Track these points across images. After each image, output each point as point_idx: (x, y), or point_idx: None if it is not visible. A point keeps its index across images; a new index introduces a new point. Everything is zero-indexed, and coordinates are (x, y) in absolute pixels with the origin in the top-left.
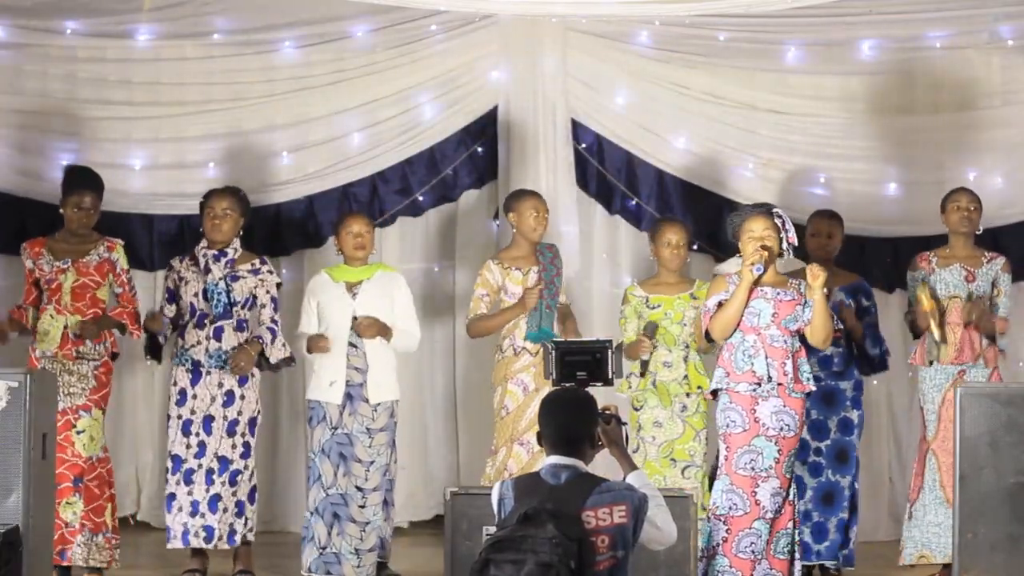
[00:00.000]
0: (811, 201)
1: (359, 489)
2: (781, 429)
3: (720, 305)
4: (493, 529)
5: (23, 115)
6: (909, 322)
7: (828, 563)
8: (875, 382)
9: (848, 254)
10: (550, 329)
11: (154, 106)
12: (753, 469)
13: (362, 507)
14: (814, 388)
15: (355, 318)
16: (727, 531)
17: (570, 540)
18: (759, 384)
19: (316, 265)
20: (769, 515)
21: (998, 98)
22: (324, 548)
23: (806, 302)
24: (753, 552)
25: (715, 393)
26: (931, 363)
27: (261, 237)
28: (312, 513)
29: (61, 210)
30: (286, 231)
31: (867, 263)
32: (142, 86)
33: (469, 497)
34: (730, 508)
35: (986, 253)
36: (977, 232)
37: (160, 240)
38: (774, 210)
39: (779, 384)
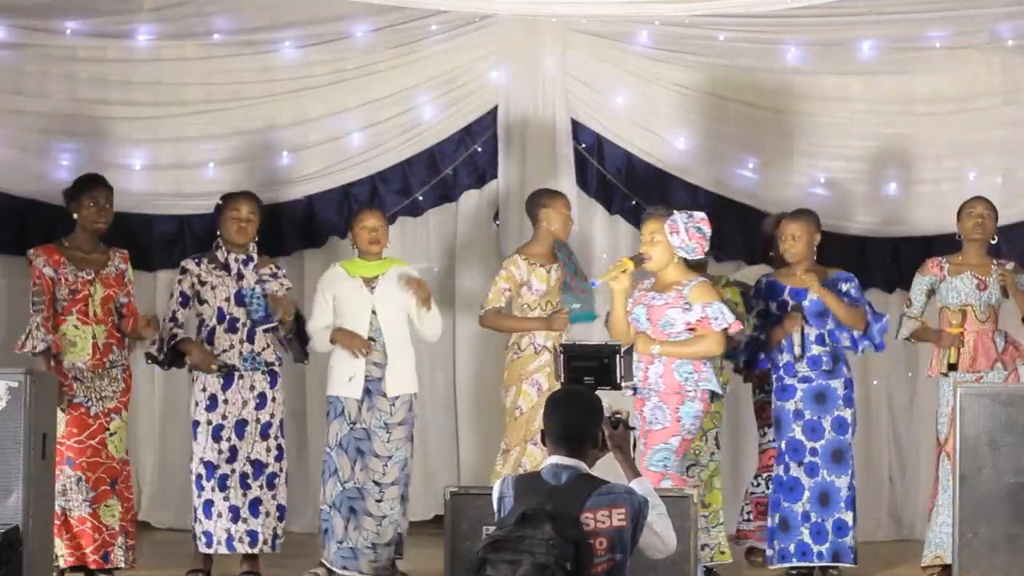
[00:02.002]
0: (811, 201)
1: (376, 483)
2: (651, 423)
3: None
4: (493, 528)
5: (23, 115)
6: (912, 331)
7: (830, 564)
8: (875, 382)
9: (848, 254)
10: (592, 312)
11: (154, 106)
12: None
13: (379, 501)
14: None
15: (374, 312)
16: None
17: (567, 541)
18: (635, 388)
19: (316, 265)
20: None
21: (998, 98)
22: (341, 542)
23: (690, 306)
24: None
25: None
26: (945, 374)
27: (261, 237)
28: (330, 507)
29: (75, 215)
30: (286, 231)
31: (867, 263)
32: (142, 86)
33: (469, 497)
34: None
35: (996, 261)
36: (992, 241)
37: (160, 240)
38: (676, 213)
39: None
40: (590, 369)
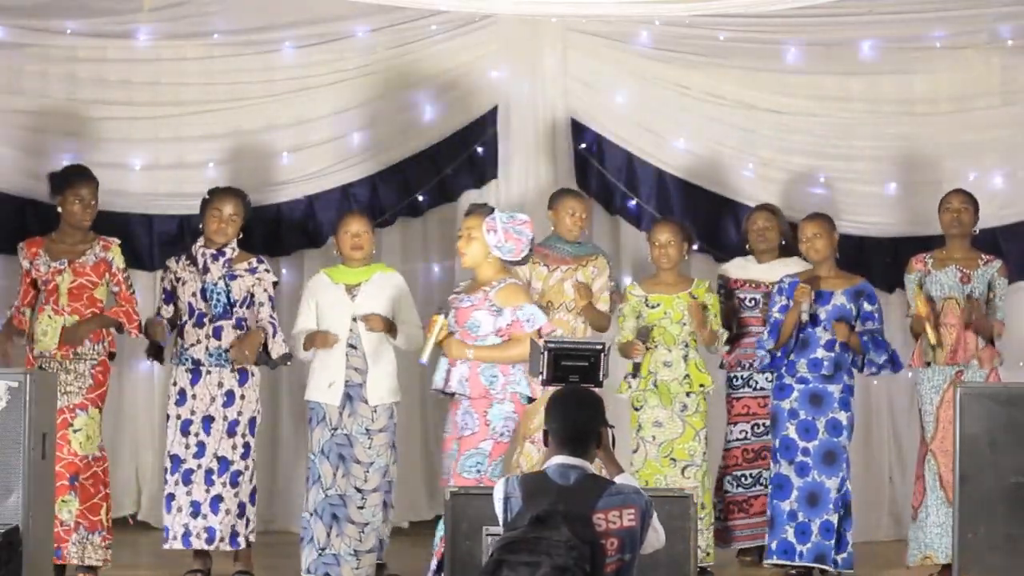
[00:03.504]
0: (811, 201)
1: (358, 490)
2: (463, 428)
3: None
4: (493, 529)
5: (23, 115)
6: (911, 325)
7: (828, 567)
8: (875, 382)
9: (848, 254)
10: None
11: (154, 106)
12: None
13: (361, 508)
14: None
15: (355, 319)
16: None
17: (584, 543)
18: (451, 393)
19: (316, 265)
20: None
21: (998, 98)
22: (323, 549)
23: (499, 310)
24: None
25: None
26: (928, 364)
27: (261, 237)
28: (311, 514)
29: (59, 208)
30: (286, 231)
31: (867, 263)
32: (142, 86)
33: (469, 497)
34: None
35: (983, 256)
36: (974, 233)
37: (160, 240)
38: (497, 212)
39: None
40: (577, 368)
